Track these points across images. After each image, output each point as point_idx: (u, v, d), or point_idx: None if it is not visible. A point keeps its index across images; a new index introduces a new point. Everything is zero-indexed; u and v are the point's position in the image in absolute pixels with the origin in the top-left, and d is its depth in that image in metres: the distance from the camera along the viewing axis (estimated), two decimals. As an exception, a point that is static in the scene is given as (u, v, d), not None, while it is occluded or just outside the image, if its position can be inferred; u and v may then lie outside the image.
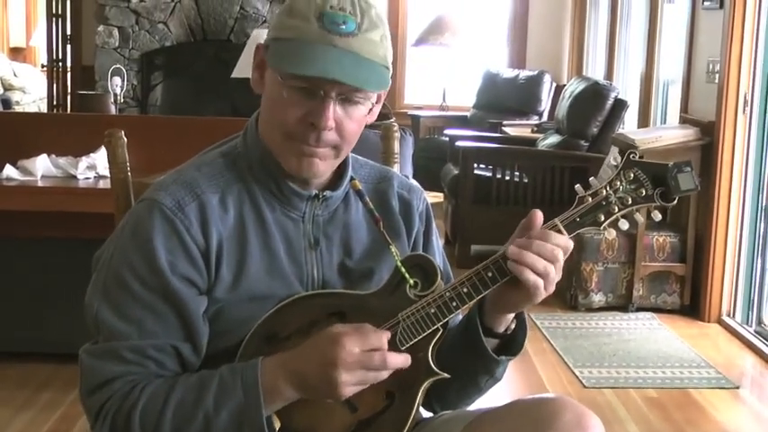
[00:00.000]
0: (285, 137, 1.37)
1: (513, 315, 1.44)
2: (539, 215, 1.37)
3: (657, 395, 3.53)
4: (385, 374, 1.31)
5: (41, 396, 3.29)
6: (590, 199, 1.37)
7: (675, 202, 1.37)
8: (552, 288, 1.35)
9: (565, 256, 1.35)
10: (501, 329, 1.44)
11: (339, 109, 1.36)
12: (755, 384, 3.83)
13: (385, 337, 1.31)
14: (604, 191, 1.37)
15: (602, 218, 1.37)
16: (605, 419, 3.21)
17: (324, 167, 1.41)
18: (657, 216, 1.41)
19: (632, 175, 1.37)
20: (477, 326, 1.42)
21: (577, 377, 3.67)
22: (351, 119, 1.38)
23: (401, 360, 1.32)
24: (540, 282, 1.33)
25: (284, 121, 1.36)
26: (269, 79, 1.39)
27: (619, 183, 1.37)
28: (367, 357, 1.29)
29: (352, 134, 1.39)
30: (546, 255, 1.33)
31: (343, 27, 1.33)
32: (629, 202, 1.37)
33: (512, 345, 1.46)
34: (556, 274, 1.34)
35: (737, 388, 3.62)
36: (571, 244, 1.36)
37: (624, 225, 1.38)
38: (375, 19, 1.36)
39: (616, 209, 1.37)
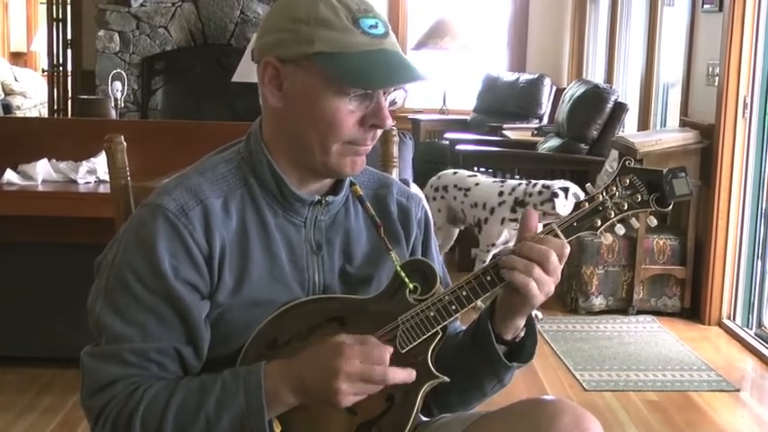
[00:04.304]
0: (345, 143, 1.38)
1: (522, 323, 1.44)
2: (531, 214, 1.39)
3: (658, 398, 3.53)
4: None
5: (42, 400, 3.29)
6: (587, 204, 1.39)
7: (671, 207, 1.39)
8: (549, 290, 1.36)
9: (561, 259, 1.36)
10: (509, 337, 1.45)
11: None
12: (756, 387, 3.83)
13: (387, 351, 1.31)
14: (601, 196, 1.39)
15: (599, 223, 1.39)
16: (606, 423, 3.23)
17: None
18: (653, 221, 1.43)
19: (628, 181, 1.39)
20: (489, 331, 1.42)
21: (578, 380, 3.67)
22: None
23: (403, 375, 1.32)
24: (529, 282, 1.34)
25: (346, 130, 1.36)
26: (315, 95, 1.35)
27: (615, 188, 1.39)
28: (368, 370, 1.29)
29: None
30: (534, 257, 1.34)
31: (377, 30, 1.35)
32: (625, 207, 1.39)
33: (520, 353, 1.47)
34: (550, 277, 1.35)
35: (738, 391, 3.63)
36: (566, 247, 1.37)
37: (620, 230, 1.41)
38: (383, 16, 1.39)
39: (612, 214, 1.39)
